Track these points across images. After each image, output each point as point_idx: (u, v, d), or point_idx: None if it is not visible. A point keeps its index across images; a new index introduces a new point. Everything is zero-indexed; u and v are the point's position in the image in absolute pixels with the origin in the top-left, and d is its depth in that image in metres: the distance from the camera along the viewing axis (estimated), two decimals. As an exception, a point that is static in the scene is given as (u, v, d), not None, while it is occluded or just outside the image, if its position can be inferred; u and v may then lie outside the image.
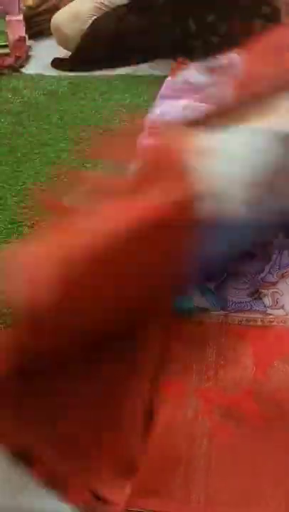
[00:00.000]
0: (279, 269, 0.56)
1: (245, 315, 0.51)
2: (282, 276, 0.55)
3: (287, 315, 0.51)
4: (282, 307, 0.52)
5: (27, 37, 1.60)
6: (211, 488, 0.37)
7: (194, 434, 0.40)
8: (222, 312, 0.51)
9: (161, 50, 1.33)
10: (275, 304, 0.53)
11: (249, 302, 0.53)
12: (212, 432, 0.40)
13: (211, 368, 0.45)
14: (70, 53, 1.53)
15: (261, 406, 0.41)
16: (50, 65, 1.55)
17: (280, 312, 0.51)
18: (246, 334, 0.48)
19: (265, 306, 0.52)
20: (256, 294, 0.53)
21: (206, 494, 0.36)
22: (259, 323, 0.51)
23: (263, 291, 0.54)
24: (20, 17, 1.57)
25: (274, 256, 0.57)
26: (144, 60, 1.39)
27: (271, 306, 0.52)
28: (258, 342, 0.47)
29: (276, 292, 0.54)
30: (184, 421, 0.41)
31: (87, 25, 1.41)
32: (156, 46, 1.33)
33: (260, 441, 0.39)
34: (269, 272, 0.56)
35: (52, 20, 1.52)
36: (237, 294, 0.54)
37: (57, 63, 1.50)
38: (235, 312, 0.52)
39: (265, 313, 0.51)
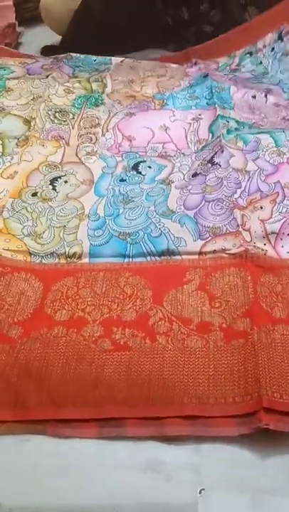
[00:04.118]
0: (248, 195, 0.66)
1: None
2: (251, 202, 0.65)
3: (251, 241, 0.60)
4: (248, 230, 0.61)
5: (17, 23, 1.46)
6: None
7: None
8: (199, 243, 0.60)
9: (152, 38, 1.18)
10: (244, 225, 0.62)
11: (225, 225, 0.62)
12: None
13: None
14: (60, 40, 1.37)
15: None
16: (40, 53, 1.38)
17: (245, 236, 0.60)
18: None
19: (237, 225, 0.61)
20: (231, 216, 0.62)
21: None
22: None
23: (236, 210, 0.63)
24: (10, 2, 1.44)
25: (243, 183, 0.67)
26: (135, 49, 1.23)
27: (241, 225, 0.62)
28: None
29: (245, 215, 0.63)
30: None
31: (76, 6, 1.24)
32: (146, 34, 1.17)
33: None
34: (240, 197, 0.66)
35: (41, 0, 1.37)
36: (215, 219, 0.63)
37: (47, 51, 1.34)
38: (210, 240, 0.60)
39: (237, 232, 0.60)
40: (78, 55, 1.03)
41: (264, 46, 0.98)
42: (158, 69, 0.99)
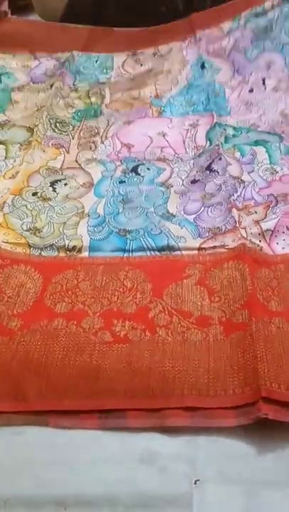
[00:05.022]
0: (243, 200, 0.69)
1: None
2: (246, 206, 0.68)
3: (247, 237, 0.61)
4: (244, 228, 0.64)
5: (10, 12, 1.41)
6: None
7: None
8: (199, 240, 0.62)
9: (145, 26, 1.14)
10: (240, 223, 0.64)
11: (224, 225, 0.64)
12: None
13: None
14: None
15: None
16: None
17: (242, 232, 0.62)
18: None
19: (235, 222, 0.64)
20: (229, 215, 0.65)
21: None
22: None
23: (233, 210, 0.66)
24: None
25: (239, 190, 0.70)
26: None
27: (237, 221, 0.64)
28: None
29: (241, 216, 0.66)
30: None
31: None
32: (139, 22, 1.12)
33: None
34: (236, 199, 0.69)
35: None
36: (214, 221, 0.65)
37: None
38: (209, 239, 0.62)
39: (235, 228, 0.62)
40: (80, 53, 1.02)
41: (272, 7, 0.94)
42: (156, 64, 0.98)
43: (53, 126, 0.85)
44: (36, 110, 0.89)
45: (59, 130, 0.84)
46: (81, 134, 0.84)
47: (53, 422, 0.45)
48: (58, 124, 0.86)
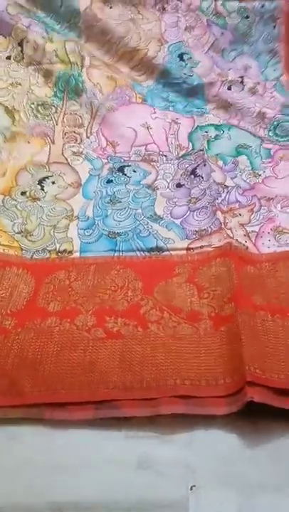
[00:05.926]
0: (228, 204, 0.72)
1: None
2: (231, 209, 0.70)
3: (233, 237, 0.64)
4: (230, 229, 0.66)
5: None
6: None
7: None
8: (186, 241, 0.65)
9: None
10: (226, 225, 0.68)
11: (210, 226, 0.67)
12: None
13: None
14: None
15: None
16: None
17: (228, 233, 0.65)
18: None
19: (220, 223, 0.67)
20: (214, 217, 0.68)
21: None
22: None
23: (218, 212, 0.69)
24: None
25: (223, 194, 0.73)
26: None
27: (223, 223, 0.68)
28: None
29: (226, 217, 0.70)
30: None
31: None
32: None
33: None
34: (221, 203, 0.72)
35: None
36: (200, 223, 0.68)
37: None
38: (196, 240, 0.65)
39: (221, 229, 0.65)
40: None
41: None
42: (125, 11, 0.88)
43: (35, 111, 0.82)
44: (10, 84, 0.83)
45: (41, 114, 0.82)
46: (65, 120, 0.82)
47: (49, 414, 0.46)
48: (39, 108, 0.83)
